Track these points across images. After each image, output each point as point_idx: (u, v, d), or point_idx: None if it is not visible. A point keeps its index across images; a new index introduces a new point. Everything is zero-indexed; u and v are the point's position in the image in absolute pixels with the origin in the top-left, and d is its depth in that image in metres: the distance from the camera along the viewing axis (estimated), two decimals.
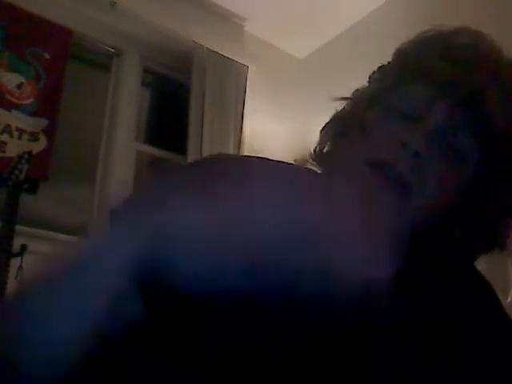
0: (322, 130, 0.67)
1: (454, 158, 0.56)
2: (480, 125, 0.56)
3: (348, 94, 0.67)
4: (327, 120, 0.68)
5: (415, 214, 0.57)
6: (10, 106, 2.51)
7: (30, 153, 2.12)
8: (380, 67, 0.65)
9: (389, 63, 0.64)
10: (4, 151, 2.44)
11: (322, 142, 0.67)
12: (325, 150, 0.66)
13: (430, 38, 0.61)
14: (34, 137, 2.55)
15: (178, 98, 3.18)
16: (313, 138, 0.70)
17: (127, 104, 3.01)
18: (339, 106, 0.67)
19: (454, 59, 0.57)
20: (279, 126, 3.26)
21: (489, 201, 0.60)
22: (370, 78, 0.66)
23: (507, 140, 0.57)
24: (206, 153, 2.90)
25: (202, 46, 3.05)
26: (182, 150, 2.96)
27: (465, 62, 0.57)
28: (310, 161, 0.68)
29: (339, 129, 0.64)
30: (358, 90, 0.66)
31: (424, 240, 0.61)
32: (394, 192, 0.55)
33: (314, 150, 0.67)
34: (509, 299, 1.37)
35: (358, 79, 0.67)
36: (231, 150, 3.01)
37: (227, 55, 3.13)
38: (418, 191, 0.55)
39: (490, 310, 0.64)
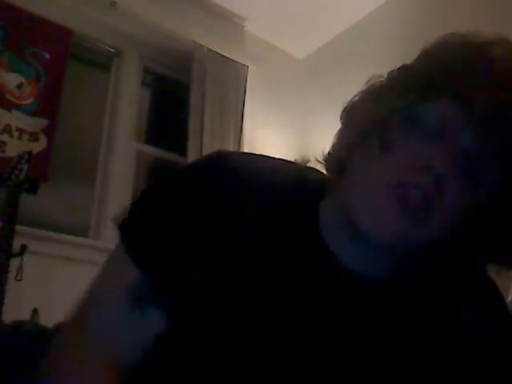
0: (337, 134, 0.64)
1: (473, 180, 0.55)
2: (507, 151, 0.54)
3: (346, 94, 0.64)
4: (328, 119, 0.66)
5: (432, 232, 0.56)
6: (10, 106, 2.51)
7: (29, 153, 2.12)
8: (402, 67, 0.62)
9: (412, 64, 0.61)
10: (4, 151, 2.44)
11: (336, 148, 0.64)
12: (339, 155, 0.63)
13: (462, 46, 0.57)
14: (33, 137, 2.55)
15: (178, 98, 3.18)
16: (312, 137, 0.68)
17: (127, 104, 3.01)
18: (338, 105, 0.66)
19: (487, 78, 0.54)
20: (279, 126, 3.26)
21: (498, 217, 0.58)
22: (388, 75, 0.62)
23: None
24: (205, 153, 2.89)
25: (202, 46, 3.05)
26: (182, 150, 2.96)
27: (499, 82, 0.54)
28: (322, 163, 0.65)
29: (357, 136, 0.61)
30: (373, 85, 0.63)
31: (427, 252, 0.61)
32: (415, 217, 0.54)
33: (328, 153, 0.64)
34: (509, 298, 1.37)
35: (357, 79, 0.67)
36: (231, 150, 3.01)
37: (227, 55, 3.13)
38: (438, 215, 0.54)
39: (490, 320, 0.64)
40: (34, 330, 0.71)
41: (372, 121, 0.60)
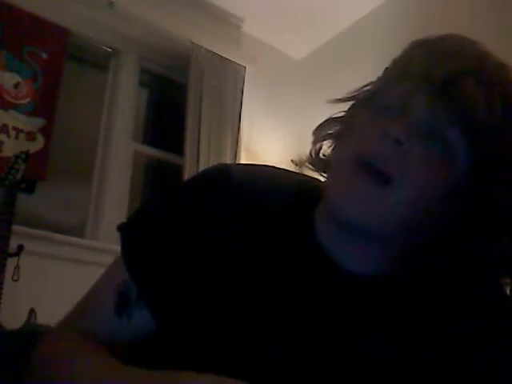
0: (315, 133, 0.68)
1: (440, 149, 0.56)
2: (460, 114, 0.55)
3: (344, 95, 0.67)
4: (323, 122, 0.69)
5: (402, 204, 0.56)
6: (6, 106, 2.51)
7: (27, 152, 2.12)
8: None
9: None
10: (1, 151, 2.43)
11: (317, 146, 0.68)
12: (321, 155, 0.67)
13: (417, 40, 0.62)
14: (31, 136, 2.54)
15: (176, 99, 3.18)
16: (310, 139, 0.70)
17: (124, 104, 3.01)
18: (337, 106, 0.67)
19: (430, 52, 0.59)
20: (276, 127, 3.27)
21: (487, 208, 0.58)
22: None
23: (497, 136, 0.56)
24: (203, 153, 2.90)
25: (199, 46, 3.06)
26: (179, 150, 2.96)
27: (440, 53, 0.58)
28: (308, 165, 0.68)
29: (334, 133, 0.66)
30: (358, 92, 0.66)
31: (420, 246, 0.61)
32: (377, 182, 0.55)
33: (310, 154, 0.68)
34: None
35: (355, 80, 0.67)
36: (228, 151, 3.01)
37: (225, 56, 3.13)
38: (401, 180, 0.55)
39: (492, 324, 0.64)
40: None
41: (347, 117, 0.65)
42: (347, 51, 3.19)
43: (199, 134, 2.93)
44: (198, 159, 2.89)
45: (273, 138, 3.22)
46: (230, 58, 3.15)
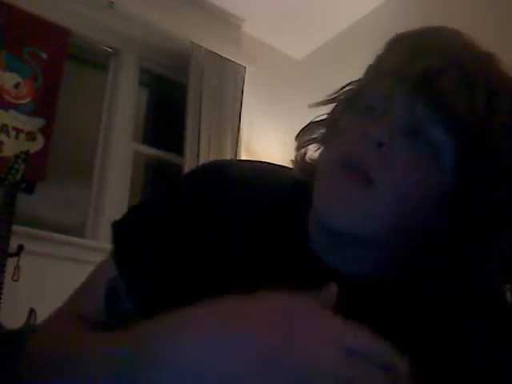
0: (298, 139, 0.67)
1: (424, 148, 0.55)
2: (440, 111, 0.54)
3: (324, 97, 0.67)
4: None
5: (388, 205, 0.55)
6: (7, 106, 2.51)
7: (27, 152, 2.12)
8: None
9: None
10: (1, 151, 2.43)
11: (302, 151, 0.67)
12: (307, 159, 0.66)
13: (399, 35, 0.62)
14: (31, 136, 2.54)
15: (176, 99, 3.18)
16: None
17: (124, 104, 3.01)
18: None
19: (410, 47, 0.57)
20: (276, 127, 3.27)
21: (479, 206, 0.57)
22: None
23: (482, 131, 0.54)
24: (203, 153, 2.90)
25: (199, 46, 3.06)
26: (179, 150, 2.96)
27: (420, 49, 0.57)
28: (295, 169, 0.67)
29: (318, 137, 0.65)
30: (339, 93, 0.66)
31: (418, 248, 0.60)
32: (358, 184, 0.54)
33: (296, 159, 0.67)
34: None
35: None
36: (228, 151, 3.01)
37: (225, 56, 3.13)
38: (384, 180, 0.54)
39: (491, 327, 0.63)
40: None
41: (331, 120, 0.64)
42: (347, 51, 3.19)
43: (199, 134, 2.93)
44: (198, 159, 2.89)
45: (273, 137, 3.22)
46: (230, 58, 3.15)
